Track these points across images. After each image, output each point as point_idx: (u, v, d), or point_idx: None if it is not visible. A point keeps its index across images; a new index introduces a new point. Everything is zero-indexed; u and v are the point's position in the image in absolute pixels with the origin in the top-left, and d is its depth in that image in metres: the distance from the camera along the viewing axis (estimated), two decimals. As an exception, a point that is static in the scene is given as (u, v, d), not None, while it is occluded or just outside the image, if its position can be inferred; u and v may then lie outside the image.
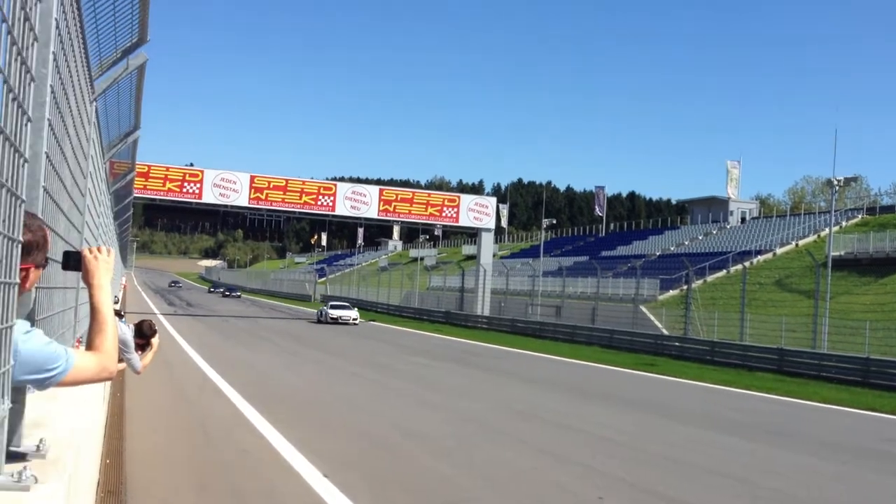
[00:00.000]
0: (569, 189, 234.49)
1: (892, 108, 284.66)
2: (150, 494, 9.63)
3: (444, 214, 61.14)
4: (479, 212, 61.66)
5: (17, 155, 2.33)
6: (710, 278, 59.88)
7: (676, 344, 40.35)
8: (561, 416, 18.55)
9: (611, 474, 12.22)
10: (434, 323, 62.54)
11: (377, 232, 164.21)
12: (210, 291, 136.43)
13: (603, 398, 22.80)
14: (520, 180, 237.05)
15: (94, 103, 7.90)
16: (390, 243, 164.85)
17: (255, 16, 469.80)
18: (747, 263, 51.29)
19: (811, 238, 66.76)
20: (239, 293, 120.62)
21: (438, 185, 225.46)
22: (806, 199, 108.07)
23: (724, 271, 61.02)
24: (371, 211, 58.82)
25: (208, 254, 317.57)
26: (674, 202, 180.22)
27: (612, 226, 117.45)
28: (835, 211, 49.26)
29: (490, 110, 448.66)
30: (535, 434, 15.88)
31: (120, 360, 7.94)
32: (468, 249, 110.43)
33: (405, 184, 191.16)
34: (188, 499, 9.58)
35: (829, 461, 14.68)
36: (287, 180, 57.18)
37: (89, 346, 3.08)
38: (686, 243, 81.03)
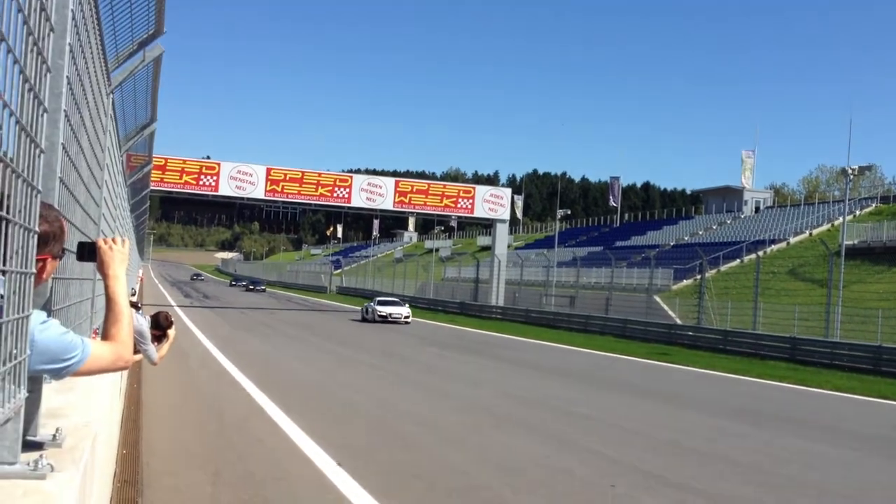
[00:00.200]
0: (584, 180, 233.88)
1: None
2: (166, 484, 9.67)
3: (459, 206, 61.05)
4: (494, 203, 61.54)
5: (33, 145, 2.35)
6: (723, 268, 59.68)
7: (689, 333, 40.35)
8: (573, 404, 18.56)
9: (623, 462, 12.23)
10: (449, 313, 62.51)
11: (392, 223, 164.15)
12: (232, 285, 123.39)
13: (615, 387, 22.81)
14: (535, 171, 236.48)
15: (111, 95, 7.92)
16: (405, 235, 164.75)
17: (271, 6, 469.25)
18: (761, 253, 51.27)
19: (825, 227, 66.63)
20: (264, 287, 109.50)
21: (454, 177, 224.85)
22: (820, 189, 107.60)
23: (738, 261, 60.82)
24: (386, 202, 58.78)
25: (224, 246, 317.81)
26: (688, 192, 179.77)
27: (626, 216, 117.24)
28: (849, 200, 49.15)
29: (505, 101, 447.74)
30: (548, 422, 15.89)
31: (136, 352, 7.98)
32: (483, 240, 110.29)
33: (421, 175, 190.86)
34: (204, 488, 9.62)
35: (840, 448, 14.66)
36: (303, 172, 57.20)
37: (105, 335, 3.10)
38: (700, 233, 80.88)
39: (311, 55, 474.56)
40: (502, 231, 63.44)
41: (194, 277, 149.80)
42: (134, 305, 8.53)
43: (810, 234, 65.23)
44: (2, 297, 2.28)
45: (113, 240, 3.28)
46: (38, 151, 2.41)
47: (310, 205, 59.82)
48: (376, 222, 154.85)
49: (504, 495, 10.05)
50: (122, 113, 10.95)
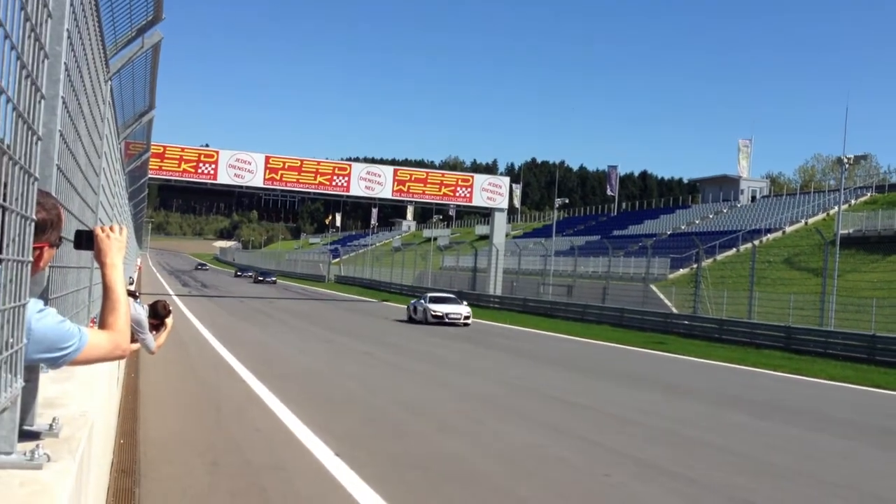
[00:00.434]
0: (581, 168, 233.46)
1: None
2: (164, 474, 9.66)
3: (457, 194, 61.05)
4: (492, 192, 61.53)
5: (30, 132, 2.33)
6: (720, 257, 59.90)
7: (686, 322, 40.50)
8: (569, 393, 18.62)
9: (618, 450, 12.26)
10: (447, 303, 62.39)
11: (391, 212, 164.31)
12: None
13: (611, 376, 22.85)
14: (533, 160, 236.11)
15: (109, 82, 7.90)
16: (404, 223, 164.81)
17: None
18: (757, 242, 51.26)
19: (820, 216, 66.85)
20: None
21: (452, 165, 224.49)
22: (816, 178, 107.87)
23: (734, 250, 61.04)
24: (385, 191, 58.78)
25: (223, 235, 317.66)
26: (685, 181, 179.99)
27: (624, 205, 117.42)
28: (844, 189, 49.30)
29: (504, 90, 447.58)
30: (544, 411, 15.93)
31: (134, 341, 7.96)
32: (481, 229, 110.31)
33: (419, 164, 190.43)
34: (201, 478, 9.62)
35: (835, 437, 14.72)
36: (302, 161, 57.23)
37: (102, 324, 3.08)
38: (697, 222, 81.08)
39: (310, 44, 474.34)
40: (500, 220, 63.45)
41: (199, 267, 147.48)
42: (132, 294, 8.53)
43: (806, 223, 65.42)
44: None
45: (111, 228, 3.26)
46: (35, 139, 2.39)
47: (308, 193, 59.83)
48: (375, 211, 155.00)
49: (498, 483, 10.06)
50: (121, 100, 10.92)
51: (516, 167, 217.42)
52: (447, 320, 39.99)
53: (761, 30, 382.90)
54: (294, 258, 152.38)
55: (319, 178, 56.93)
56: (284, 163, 56.27)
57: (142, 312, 8.94)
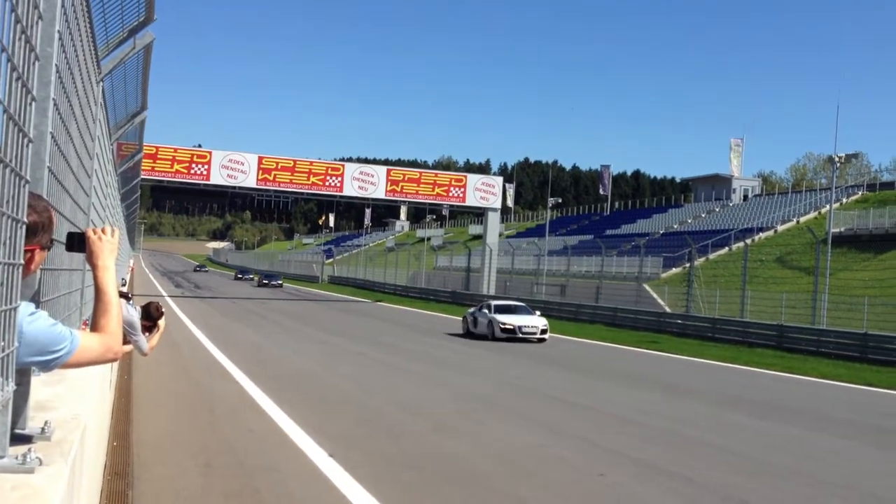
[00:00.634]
0: (574, 168, 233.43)
1: (894, 85, 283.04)
2: (157, 475, 9.65)
3: (450, 194, 60.98)
4: (485, 191, 61.50)
5: (21, 135, 2.32)
6: (712, 256, 59.93)
7: (678, 321, 40.54)
8: (564, 392, 18.65)
9: (613, 450, 12.29)
10: (441, 303, 62.50)
11: (384, 212, 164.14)
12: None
13: (611, 376, 22.87)
14: (526, 159, 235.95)
15: (101, 83, 7.88)
16: (397, 223, 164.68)
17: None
18: (749, 241, 51.40)
19: (812, 215, 66.91)
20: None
21: (446, 165, 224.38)
22: (807, 177, 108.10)
23: (727, 249, 61.05)
24: (378, 191, 58.68)
25: (216, 235, 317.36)
26: (678, 180, 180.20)
27: (616, 204, 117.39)
28: (835, 188, 49.46)
29: (496, 90, 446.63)
30: (539, 411, 15.95)
31: (126, 342, 7.94)
32: (475, 229, 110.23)
33: (412, 164, 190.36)
34: (195, 479, 9.61)
35: (829, 435, 14.75)
36: (295, 161, 57.14)
37: (94, 327, 3.07)
38: (689, 221, 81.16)
39: (303, 45, 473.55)
40: (493, 220, 63.42)
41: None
42: (124, 296, 8.50)
43: (797, 222, 65.48)
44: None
45: (102, 230, 3.24)
46: (26, 141, 2.38)
47: (302, 194, 59.69)
48: (368, 211, 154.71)
49: (496, 483, 10.06)
50: (113, 101, 10.90)
51: (509, 167, 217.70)
52: (520, 335, 32.25)
53: (752, 30, 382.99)
54: (287, 259, 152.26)
55: (312, 179, 56.83)
56: (277, 163, 56.15)
57: (134, 314, 8.91)
